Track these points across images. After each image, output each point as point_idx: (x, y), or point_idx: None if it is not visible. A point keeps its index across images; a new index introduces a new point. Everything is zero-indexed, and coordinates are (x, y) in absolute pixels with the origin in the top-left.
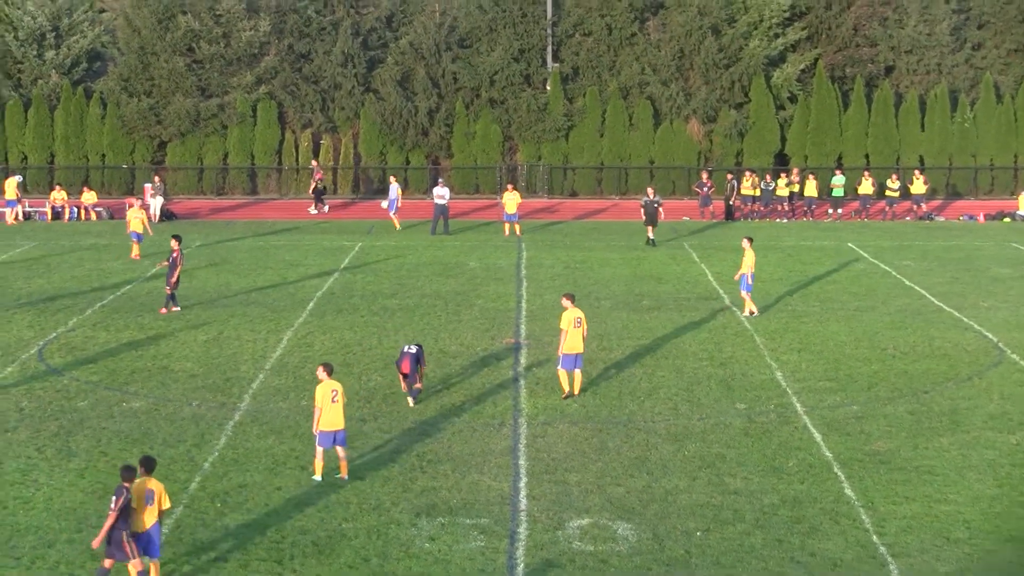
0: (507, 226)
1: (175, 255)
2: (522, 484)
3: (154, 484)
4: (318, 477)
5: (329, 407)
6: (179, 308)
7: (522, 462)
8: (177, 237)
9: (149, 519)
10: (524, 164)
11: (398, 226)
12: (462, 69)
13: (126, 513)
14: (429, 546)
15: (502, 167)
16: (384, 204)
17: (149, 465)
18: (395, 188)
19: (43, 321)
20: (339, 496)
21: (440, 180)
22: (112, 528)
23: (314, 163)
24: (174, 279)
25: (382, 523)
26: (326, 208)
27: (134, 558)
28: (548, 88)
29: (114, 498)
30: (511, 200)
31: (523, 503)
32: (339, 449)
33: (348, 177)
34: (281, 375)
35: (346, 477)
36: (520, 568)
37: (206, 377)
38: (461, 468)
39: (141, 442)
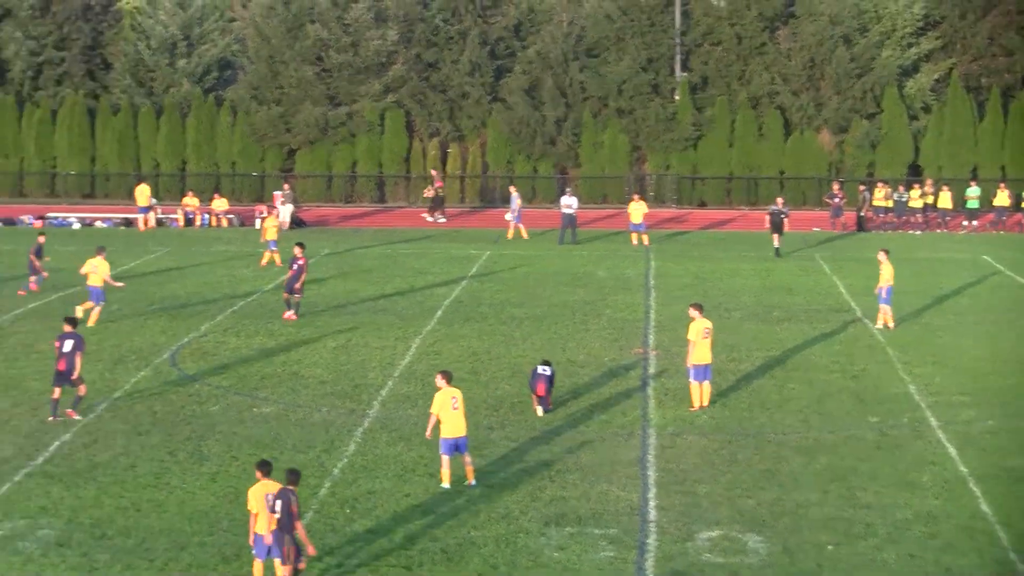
0: (634, 236)
1: (301, 262)
2: (651, 495)
3: (273, 486)
4: (446, 485)
5: (450, 414)
6: (295, 317)
7: (651, 473)
8: (301, 244)
9: (272, 523)
10: (652, 174)
11: (524, 235)
12: (590, 78)
13: (290, 517)
14: (558, 555)
15: (630, 177)
16: (508, 216)
17: (266, 469)
18: (516, 197)
19: (175, 326)
20: (468, 504)
21: (568, 189)
22: (278, 531)
23: (433, 172)
24: (298, 285)
25: (511, 532)
26: (443, 218)
27: (288, 564)
28: (677, 98)
29: (278, 500)
30: (637, 210)
31: (652, 514)
32: (464, 456)
33: (475, 186)
34: (410, 382)
35: (474, 482)
36: None
37: (335, 383)
38: (590, 478)
39: (271, 447)
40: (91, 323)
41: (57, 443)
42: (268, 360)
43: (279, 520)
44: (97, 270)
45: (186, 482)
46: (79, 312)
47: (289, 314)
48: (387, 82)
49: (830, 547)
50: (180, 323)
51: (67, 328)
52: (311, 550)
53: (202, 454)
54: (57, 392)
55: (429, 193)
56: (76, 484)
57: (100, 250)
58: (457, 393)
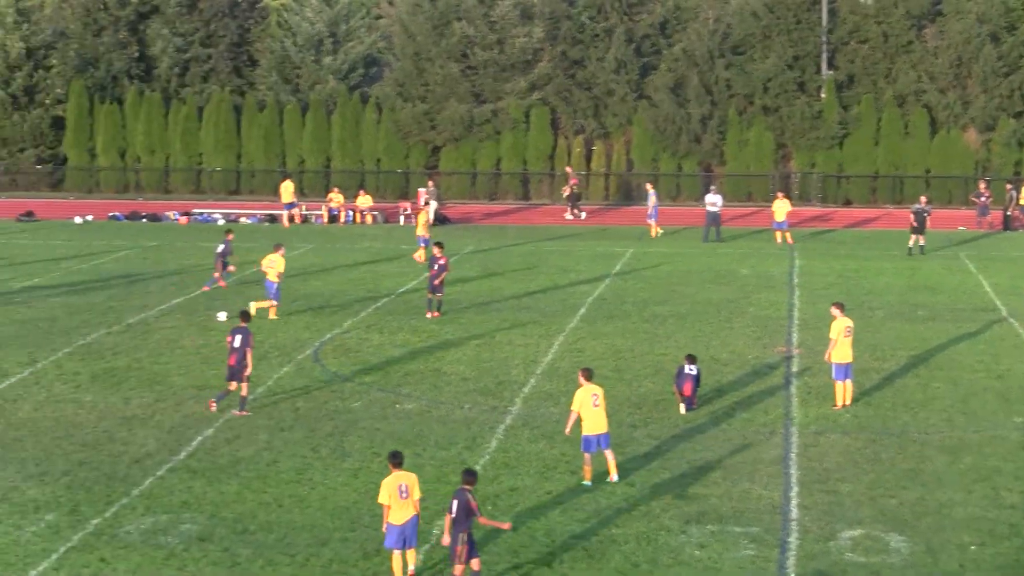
0: (778, 234)
1: (442, 261)
2: (793, 493)
3: (405, 477)
4: (587, 482)
5: (591, 411)
6: (438, 314)
7: (793, 471)
8: (440, 244)
9: (406, 512)
10: (797, 172)
11: (659, 232)
12: (736, 76)
13: (465, 516)
14: (699, 554)
15: (775, 175)
16: (649, 218)
17: (396, 459)
18: (653, 195)
19: (319, 322)
20: (609, 501)
21: (712, 187)
22: (453, 531)
23: (568, 169)
24: (438, 283)
25: (652, 529)
26: (582, 215)
27: (460, 563)
28: (823, 95)
29: (456, 502)
30: (781, 208)
31: (794, 512)
32: (606, 452)
33: (620, 184)
34: (552, 380)
35: (616, 478)
36: None
37: (478, 380)
38: (732, 476)
39: (414, 443)
40: (272, 317)
41: (200, 438)
42: (411, 357)
43: (454, 519)
44: (274, 266)
45: (328, 478)
46: (253, 308)
47: (432, 313)
48: (532, 79)
49: (973, 547)
50: (323, 319)
51: (241, 323)
52: (506, 525)
53: (344, 450)
54: (233, 386)
55: (566, 191)
56: (218, 479)
57: (278, 247)
58: (598, 390)
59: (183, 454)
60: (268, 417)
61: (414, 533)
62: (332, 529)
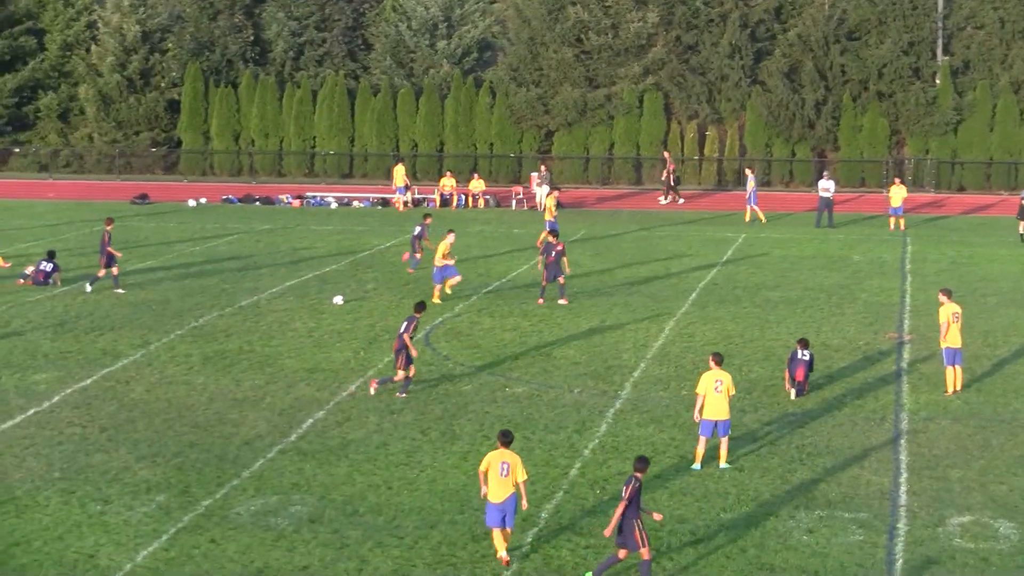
0: (892, 220)
1: (559, 248)
2: (902, 479)
3: (509, 456)
4: (697, 466)
5: (713, 396)
6: (566, 301)
7: (903, 457)
8: (555, 232)
9: (504, 490)
10: (911, 158)
11: (761, 217)
12: (850, 61)
13: (635, 503)
14: (807, 539)
15: (888, 161)
16: (749, 201)
17: (506, 438)
18: (752, 179)
19: (430, 306)
20: (718, 486)
21: (825, 173)
22: (623, 517)
23: (666, 154)
24: (547, 268)
25: (760, 514)
26: (680, 200)
27: (644, 547)
28: (938, 82)
29: (625, 487)
30: (897, 194)
31: (903, 498)
32: (722, 439)
33: (733, 169)
34: (663, 364)
35: (724, 466)
36: (899, 564)
37: (588, 365)
38: (841, 462)
39: (523, 427)
40: (435, 300)
41: (310, 421)
42: (521, 341)
43: (628, 505)
44: (440, 249)
45: (437, 460)
46: (446, 289)
47: (560, 299)
48: (646, 64)
49: None
50: (435, 303)
51: (415, 313)
52: (658, 516)
53: (454, 433)
54: (412, 371)
55: (664, 175)
56: (328, 461)
57: (450, 232)
58: (724, 376)
59: (293, 436)
60: (378, 400)
61: (512, 512)
62: (441, 512)
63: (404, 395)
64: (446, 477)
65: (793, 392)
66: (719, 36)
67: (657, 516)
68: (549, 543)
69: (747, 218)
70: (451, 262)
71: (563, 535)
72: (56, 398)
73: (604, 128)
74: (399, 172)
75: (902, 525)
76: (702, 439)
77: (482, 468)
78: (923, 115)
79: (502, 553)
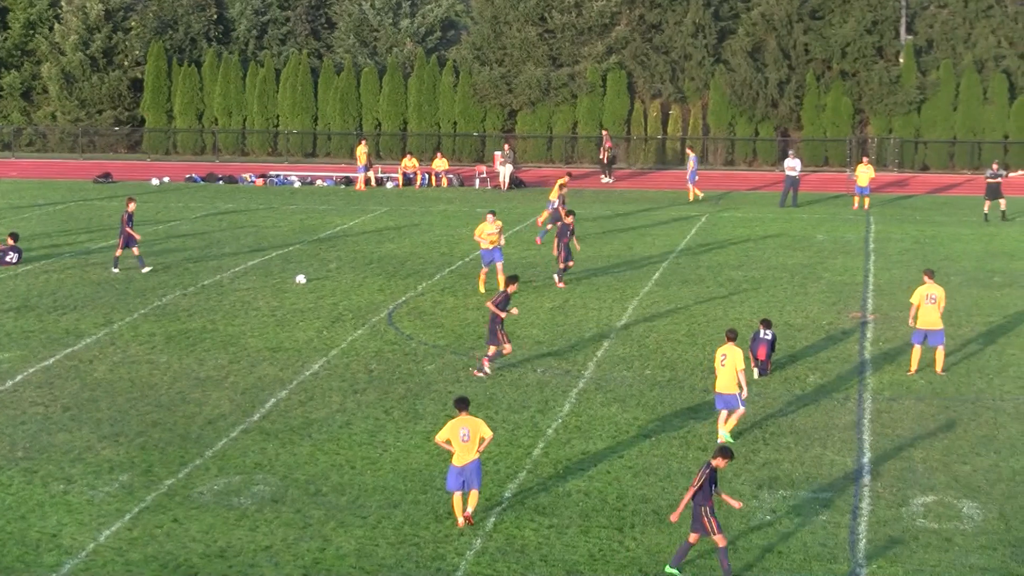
0: (857, 199)
1: (570, 224)
2: (866, 459)
3: (468, 421)
4: (730, 439)
5: (720, 370)
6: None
7: (866, 437)
8: (572, 212)
9: (467, 455)
10: (874, 137)
11: (699, 196)
12: (814, 40)
13: (706, 489)
14: (770, 518)
15: (852, 140)
16: (689, 179)
17: (462, 404)
18: (693, 159)
19: (393, 285)
20: (681, 466)
21: (791, 152)
22: (693, 502)
23: (604, 132)
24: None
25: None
26: (611, 179)
27: (716, 533)
28: (901, 61)
29: (698, 472)
30: (864, 173)
31: (867, 478)
32: (735, 412)
33: (696, 148)
34: (626, 344)
35: (724, 437)
36: (862, 543)
37: (551, 344)
38: (804, 441)
39: (486, 406)
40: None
41: (273, 400)
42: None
43: (699, 490)
44: (483, 234)
45: (401, 440)
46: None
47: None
48: (610, 43)
49: None
50: (398, 282)
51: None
52: (738, 504)
53: (417, 413)
54: (491, 350)
55: (602, 154)
56: (291, 441)
57: (490, 213)
58: (730, 351)
59: (256, 416)
60: (341, 379)
61: (475, 476)
62: (404, 491)
63: (484, 374)
64: (409, 457)
65: (756, 371)
66: (682, 15)
67: (736, 503)
68: (512, 522)
69: (691, 197)
70: (489, 245)
71: (526, 515)
72: (19, 377)
73: (567, 107)
74: (362, 151)
75: (865, 505)
76: (722, 413)
77: (441, 438)
78: (886, 94)
79: (459, 519)
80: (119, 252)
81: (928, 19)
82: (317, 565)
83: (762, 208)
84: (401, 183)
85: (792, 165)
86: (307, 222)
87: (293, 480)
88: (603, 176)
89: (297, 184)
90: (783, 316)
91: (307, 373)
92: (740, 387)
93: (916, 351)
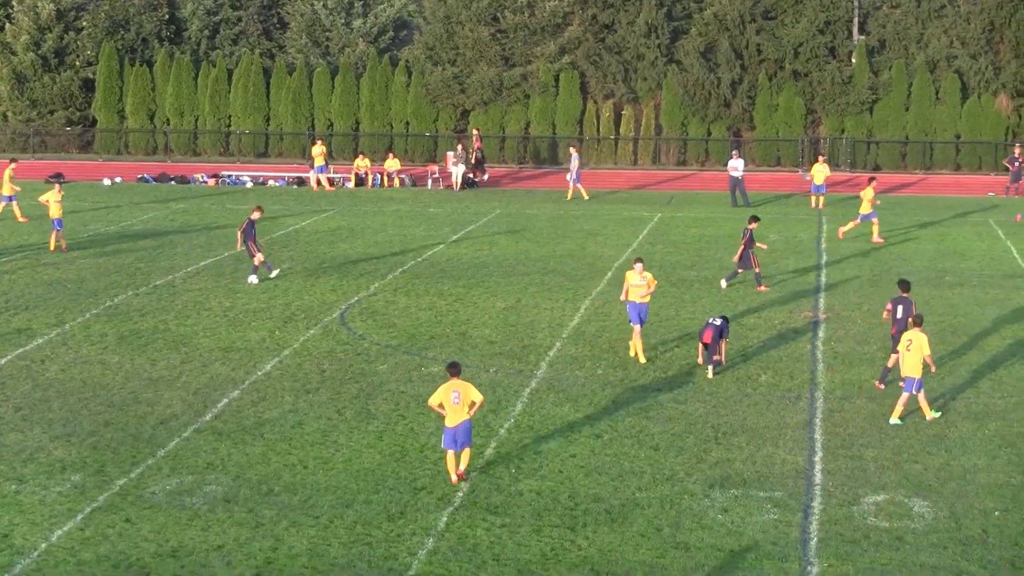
0: (813, 198)
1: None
2: (817, 458)
3: (459, 384)
4: (896, 420)
5: (905, 355)
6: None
7: (818, 436)
8: (756, 218)
9: (457, 416)
10: (827, 137)
11: (584, 195)
12: (766, 41)
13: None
14: (722, 518)
15: (804, 140)
16: (568, 177)
17: (454, 369)
18: (576, 158)
19: (345, 285)
20: (633, 465)
21: (735, 152)
22: None
23: (475, 132)
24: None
25: (675, 493)
26: (485, 177)
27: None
28: (853, 61)
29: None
30: (820, 172)
31: (818, 477)
32: (909, 395)
33: (648, 148)
34: (578, 344)
35: (933, 414)
36: (814, 542)
37: (503, 344)
38: (756, 440)
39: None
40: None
41: (226, 400)
42: (437, 320)
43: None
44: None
45: (353, 440)
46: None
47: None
48: (562, 43)
49: (997, 513)
50: (350, 282)
51: (902, 294)
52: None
53: (369, 412)
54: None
55: (472, 155)
56: (244, 441)
57: (638, 261)
58: (915, 336)
59: (209, 416)
60: (294, 379)
61: (466, 436)
62: (356, 491)
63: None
64: (361, 456)
65: (711, 370)
66: (635, 15)
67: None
68: (464, 522)
69: (569, 195)
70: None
71: (478, 514)
72: None
73: (520, 107)
74: (317, 151)
75: (817, 504)
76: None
77: (434, 401)
78: (839, 94)
79: (452, 476)
80: (258, 260)
81: (880, 19)
82: (269, 565)
83: (714, 208)
84: (354, 183)
85: (735, 165)
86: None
87: (245, 480)
88: (473, 176)
89: (249, 184)
90: (735, 315)
91: (259, 373)
92: (927, 366)
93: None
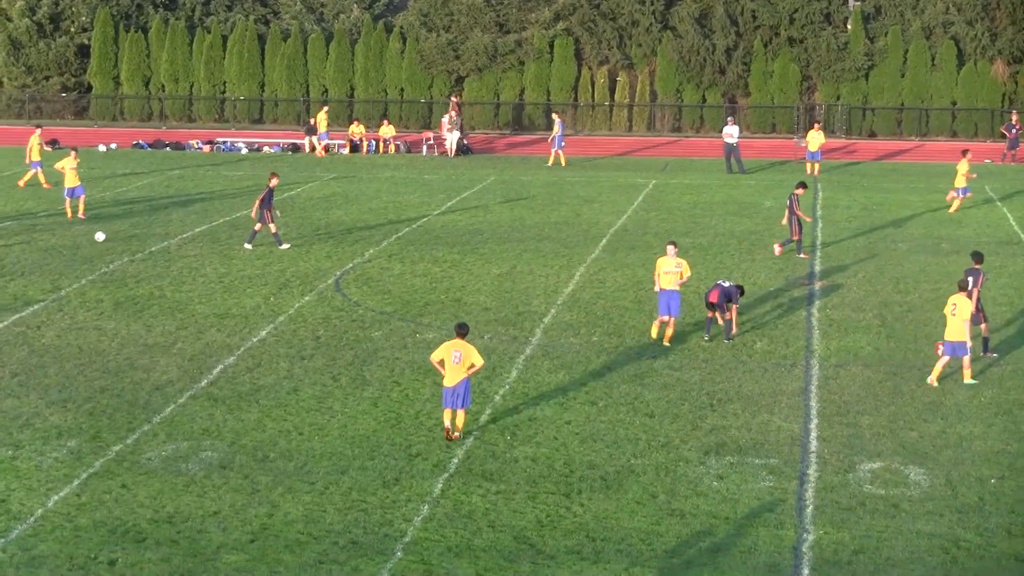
0: (809, 165)
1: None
2: (813, 425)
3: (462, 345)
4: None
5: (950, 320)
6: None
7: (813, 403)
8: (803, 184)
9: (456, 376)
10: (822, 104)
11: (564, 162)
12: (761, 7)
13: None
14: (717, 485)
15: (799, 107)
16: (550, 141)
17: (461, 330)
18: (559, 124)
19: (340, 252)
20: (628, 432)
21: (730, 119)
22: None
23: (454, 98)
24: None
25: (671, 460)
26: (465, 142)
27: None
28: (849, 27)
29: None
30: (815, 139)
31: (813, 444)
32: (965, 358)
33: (643, 115)
34: (573, 310)
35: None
36: (809, 510)
37: (498, 311)
38: (751, 408)
39: (434, 373)
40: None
41: (221, 366)
42: (432, 286)
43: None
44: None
45: (348, 406)
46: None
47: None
48: (557, 9)
49: (993, 480)
50: (345, 249)
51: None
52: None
53: (364, 379)
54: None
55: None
56: (239, 407)
57: (671, 244)
58: (959, 301)
59: (204, 382)
60: (289, 346)
61: (465, 395)
62: (351, 457)
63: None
64: (357, 423)
65: (713, 314)
66: None
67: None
68: (460, 488)
69: (550, 162)
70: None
71: (473, 481)
72: None
73: (515, 73)
74: (322, 117)
75: (812, 471)
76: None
77: (435, 357)
78: (834, 60)
79: (454, 432)
80: (258, 227)
81: None
82: (265, 531)
83: (709, 175)
84: (349, 150)
85: (730, 132)
86: (254, 189)
87: (241, 446)
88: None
89: (244, 150)
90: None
91: (255, 339)
92: (965, 336)
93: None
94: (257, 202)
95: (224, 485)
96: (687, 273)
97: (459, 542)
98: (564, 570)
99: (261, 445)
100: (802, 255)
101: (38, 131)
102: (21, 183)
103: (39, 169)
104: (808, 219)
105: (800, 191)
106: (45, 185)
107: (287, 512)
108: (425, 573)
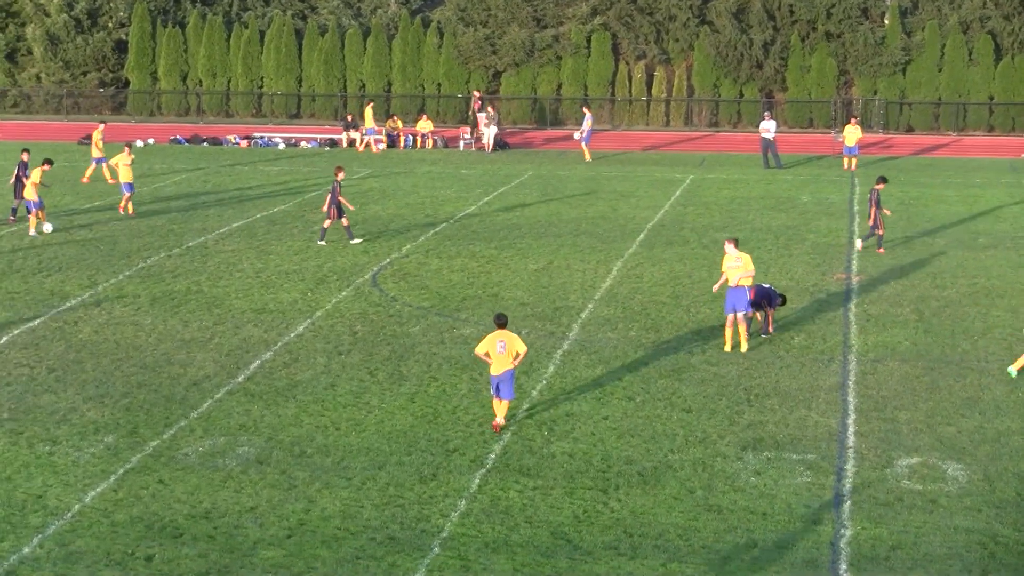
0: (846, 160)
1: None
2: (850, 421)
3: (505, 335)
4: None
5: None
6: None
7: (851, 399)
8: (883, 179)
9: (502, 365)
10: (859, 98)
11: (588, 157)
12: (799, 2)
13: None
14: (755, 480)
15: (836, 101)
16: (577, 135)
17: (500, 320)
18: (589, 118)
19: (377, 247)
20: (665, 427)
21: (767, 114)
22: None
23: (476, 93)
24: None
25: (708, 455)
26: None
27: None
28: (886, 21)
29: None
30: (852, 134)
31: (851, 440)
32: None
33: (680, 110)
34: (610, 305)
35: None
36: (847, 505)
37: (536, 306)
38: (789, 403)
39: (471, 368)
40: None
41: (258, 361)
42: (469, 282)
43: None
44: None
45: (385, 402)
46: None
47: (879, 250)
48: (594, 4)
49: None
50: (382, 244)
51: None
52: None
53: (401, 374)
54: None
55: (472, 116)
56: (276, 402)
57: (731, 241)
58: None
59: (241, 377)
60: (326, 341)
61: (508, 385)
62: (389, 453)
63: None
64: (394, 418)
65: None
66: None
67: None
68: (497, 484)
69: (587, 157)
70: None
71: (511, 476)
72: (4, 339)
73: (552, 68)
74: (369, 113)
75: (850, 467)
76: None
77: (480, 350)
78: (871, 55)
79: (497, 420)
80: (328, 224)
81: None
82: (302, 526)
83: (746, 170)
84: (386, 145)
85: (767, 127)
86: (292, 184)
87: (278, 442)
88: (477, 137)
89: (282, 146)
90: (768, 277)
91: (292, 335)
92: None
93: None
94: (327, 198)
95: (261, 481)
96: (751, 266)
97: (496, 538)
98: (601, 566)
99: (298, 440)
100: (880, 250)
101: (101, 127)
102: (85, 179)
103: (103, 164)
104: (888, 212)
105: (880, 186)
106: (110, 180)
107: (324, 508)
108: (462, 569)
